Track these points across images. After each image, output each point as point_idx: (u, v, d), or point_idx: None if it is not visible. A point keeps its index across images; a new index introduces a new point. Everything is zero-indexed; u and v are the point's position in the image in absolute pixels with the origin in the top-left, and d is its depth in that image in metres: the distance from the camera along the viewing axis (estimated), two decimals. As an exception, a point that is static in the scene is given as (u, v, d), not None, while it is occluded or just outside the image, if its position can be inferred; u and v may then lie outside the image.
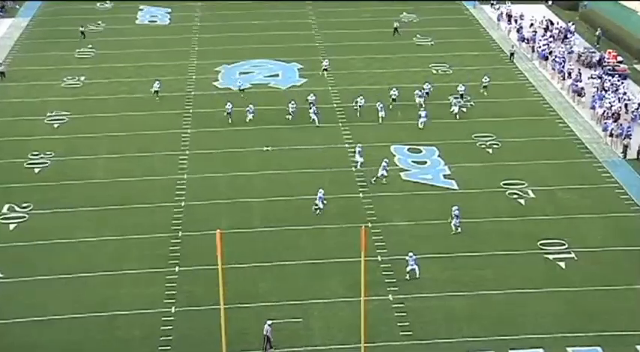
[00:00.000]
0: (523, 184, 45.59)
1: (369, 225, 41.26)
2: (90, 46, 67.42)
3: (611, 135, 50.54)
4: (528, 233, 40.95)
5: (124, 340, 33.80)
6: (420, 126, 51.75)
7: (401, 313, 35.10)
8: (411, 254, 37.40)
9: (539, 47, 64.44)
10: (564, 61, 61.20)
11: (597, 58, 62.20)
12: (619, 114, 52.77)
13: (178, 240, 40.48)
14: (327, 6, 76.01)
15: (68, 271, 38.03)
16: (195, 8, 76.73)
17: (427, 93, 55.18)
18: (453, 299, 35.98)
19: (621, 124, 51.15)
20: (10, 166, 47.92)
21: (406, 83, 59.05)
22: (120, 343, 33.68)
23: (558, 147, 50.33)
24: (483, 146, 50.20)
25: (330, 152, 49.37)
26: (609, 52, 62.85)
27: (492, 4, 75.32)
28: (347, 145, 49.99)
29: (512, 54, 63.68)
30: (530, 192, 44.90)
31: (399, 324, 34.44)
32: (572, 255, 39.23)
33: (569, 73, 59.01)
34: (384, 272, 37.71)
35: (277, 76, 61.54)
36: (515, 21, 70.72)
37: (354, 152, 47.86)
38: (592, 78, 58.66)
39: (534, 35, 66.86)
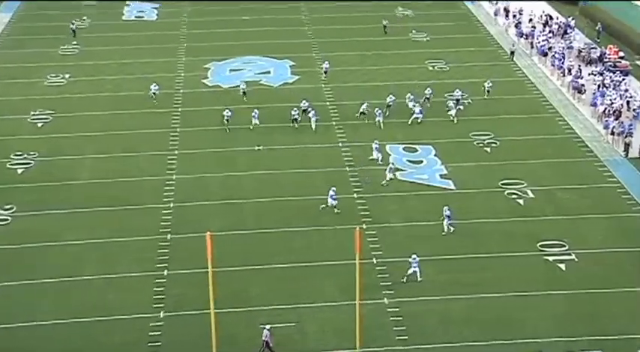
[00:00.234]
0: (522, 184, 45.75)
1: (364, 226, 41.34)
2: (74, 42, 67.37)
3: (612, 133, 50.73)
4: (528, 234, 41.08)
5: (112, 346, 33.78)
6: (409, 122, 51.84)
7: (397, 317, 35.18)
8: (414, 256, 37.49)
9: (539, 43, 64.63)
10: (564, 57, 61.41)
11: (598, 54, 62.42)
12: (620, 112, 52.98)
13: (167, 243, 40.50)
14: (319, 1, 76.10)
15: (53, 275, 37.99)
16: (183, 3, 76.70)
17: (428, 98, 54.41)
18: (451, 303, 36.09)
19: (622, 122, 51.35)
20: (-8, 167, 47.93)
21: (401, 80, 59.24)
22: (107, 349, 33.64)
23: (558, 145, 50.51)
24: (481, 145, 50.34)
25: (323, 151, 49.45)
26: (610, 48, 63.04)
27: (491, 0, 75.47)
28: (340, 144, 50.08)
29: (512, 52, 63.53)
30: (529, 192, 45.05)
31: (394, 328, 34.52)
32: (573, 256, 39.38)
33: (569, 70, 59.22)
34: (379, 275, 37.80)
35: (269, 73, 61.60)
36: (514, 16, 70.94)
37: (372, 149, 48.24)
38: (593, 74, 58.87)
39: (533, 31, 67.07)
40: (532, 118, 54.08)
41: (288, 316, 34.87)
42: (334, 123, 52.83)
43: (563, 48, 63.45)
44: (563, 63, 60.30)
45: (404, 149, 49.59)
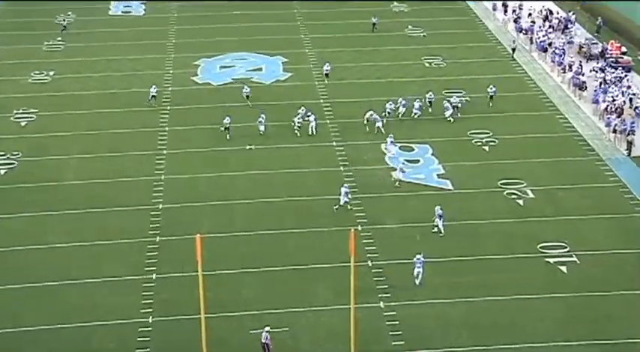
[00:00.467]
0: (522, 184, 45.80)
1: (359, 227, 41.35)
2: (59, 38, 67.27)
3: (614, 131, 50.82)
4: (528, 235, 41.13)
5: (99, 352, 33.83)
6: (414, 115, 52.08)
7: (393, 321, 35.18)
8: (418, 256, 37.50)
9: (538, 38, 64.73)
10: (564, 53, 61.51)
11: (599, 50, 62.53)
12: (623, 109, 53.08)
13: (156, 245, 40.44)
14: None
15: (38, 279, 37.89)
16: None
17: (430, 102, 53.69)
18: (449, 306, 36.10)
19: (625, 120, 51.43)
20: (-26, 167, 47.84)
21: (397, 77, 59.26)
22: (94, 355, 33.70)
23: (558, 144, 50.58)
24: (479, 143, 50.39)
25: (317, 151, 49.43)
26: (612, 43, 63.15)
27: None
28: (334, 143, 50.08)
29: (513, 49, 63.31)
30: (529, 191, 45.11)
31: (391, 333, 34.52)
32: (574, 258, 39.43)
33: (570, 66, 59.31)
34: (375, 278, 37.80)
35: (260, 70, 61.58)
36: (514, 11, 71.02)
37: (386, 143, 48.73)
38: (594, 71, 58.96)
39: (532, 26, 67.17)
40: (532, 116, 54.16)
41: (280, 321, 34.82)
42: (328, 121, 52.82)
43: (564, 43, 63.54)
44: (563, 59, 60.39)
45: (400, 148, 49.62)
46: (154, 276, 38.17)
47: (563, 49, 62.23)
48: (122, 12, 74.33)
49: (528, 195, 44.78)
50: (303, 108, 51.96)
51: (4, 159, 48.55)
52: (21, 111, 54.68)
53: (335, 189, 44.65)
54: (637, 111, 53.28)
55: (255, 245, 40.51)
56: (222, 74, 60.64)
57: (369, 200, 44.11)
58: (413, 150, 49.48)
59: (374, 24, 67.96)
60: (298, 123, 50.75)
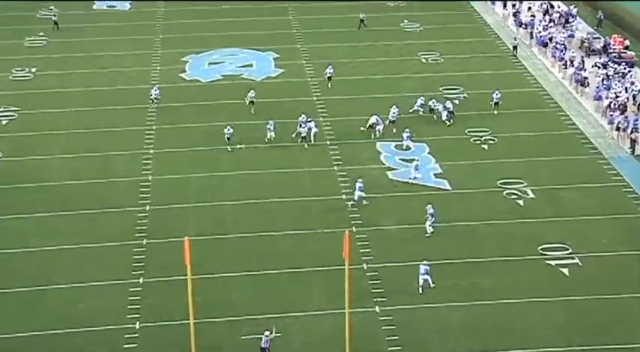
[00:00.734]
0: (521, 183, 45.88)
1: (354, 229, 41.37)
2: (41, 33, 67.15)
3: (617, 128, 50.94)
4: (528, 237, 41.20)
5: (84, 359, 33.78)
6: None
7: (389, 326, 35.21)
8: (425, 261, 37.50)
9: (539, 33, 64.85)
10: (565, 48, 61.63)
11: (601, 44, 62.66)
12: (626, 106, 53.22)
13: (143, 248, 40.41)
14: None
15: (21, 284, 37.79)
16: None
17: (432, 109, 53.03)
18: (447, 311, 36.13)
19: (628, 117, 51.55)
20: (-46, 168, 47.72)
21: (393, 73, 59.32)
22: (79, 363, 33.67)
23: (560, 142, 50.69)
24: (478, 142, 50.47)
25: (310, 150, 49.43)
26: (615, 38, 63.27)
27: None
28: (328, 142, 50.08)
29: (515, 47, 63.03)
30: (529, 191, 45.19)
31: (387, 339, 34.54)
32: (577, 260, 39.52)
33: (572, 61, 59.44)
34: (370, 281, 37.83)
35: (251, 66, 61.58)
36: (513, 5, 71.09)
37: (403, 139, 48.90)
38: (596, 66, 59.08)
39: (533, 20, 67.29)
40: (532, 113, 54.27)
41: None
42: (321, 119, 52.82)
43: (565, 38, 63.65)
44: (564, 54, 60.51)
45: (395, 146, 49.65)
46: (140, 280, 38.13)
47: (564, 44, 62.36)
48: (107, 7, 74.21)
49: (528, 195, 44.86)
50: (303, 115, 50.76)
51: (-15, 160, 48.54)
52: (2, 109, 54.60)
53: (329, 189, 44.75)
54: (641, 107, 53.53)
55: (246, 247, 40.50)
56: (211, 71, 60.62)
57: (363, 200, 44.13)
58: (409, 148, 49.50)
59: (362, 20, 67.80)
60: (303, 133, 49.29)
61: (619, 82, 56.10)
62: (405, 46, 64.50)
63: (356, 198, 43.42)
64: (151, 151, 49.44)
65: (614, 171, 47.30)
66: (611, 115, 52.00)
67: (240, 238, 41.22)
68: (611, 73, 57.49)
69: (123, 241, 40.86)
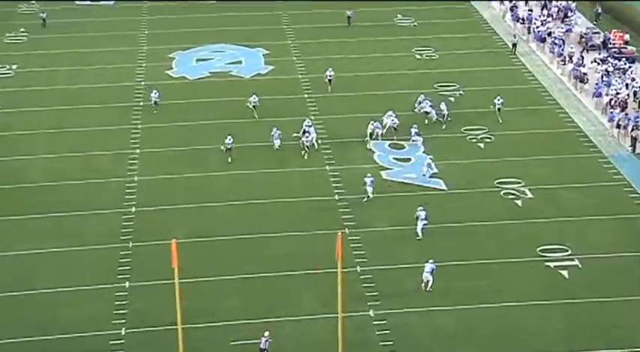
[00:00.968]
0: (519, 183, 45.97)
1: (347, 231, 41.41)
2: (22, 29, 67.01)
3: (618, 126, 51.08)
4: (526, 238, 41.29)
5: (68, 366, 33.77)
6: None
7: (383, 330, 35.25)
8: (431, 260, 37.55)
9: (537, 27, 64.97)
10: (564, 43, 61.76)
11: (601, 40, 62.82)
12: (627, 103, 53.37)
13: (129, 252, 40.37)
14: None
15: (3, 289, 37.73)
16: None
17: (431, 106, 52.76)
18: (443, 315, 36.18)
19: (629, 114, 51.69)
20: None
21: (386, 70, 59.38)
22: (63, 370, 33.65)
23: (559, 140, 50.81)
24: (474, 140, 50.56)
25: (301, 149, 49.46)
26: (615, 33, 63.42)
27: None
28: (320, 141, 50.07)
29: (514, 45, 63.03)
30: (527, 191, 45.29)
31: (381, 343, 34.57)
32: (576, 262, 39.61)
33: (570, 57, 59.57)
34: (364, 285, 37.86)
35: (240, 63, 61.59)
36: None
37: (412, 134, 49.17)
38: (596, 62, 59.22)
39: (530, 14, 67.42)
40: (530, 111, 54.38)
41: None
42: (313, 118, 52.80)
43: (564, 33, 63.79)
44: (563, 49, 60.64)
45: (390, 146, 49.72)
46: (126, 285, 38.11)
47: (563, 39, 62.49)
48: (91, 1, 73.97)
49: (527, 195, 44.96)
50: (308, 120, 50.35)
51: (-35, 160, 48.44)
52: (-18, 108, 54.60)
53: (321, 190, 44.73)
54: (642, 104, 53.68)
55: (235, 250, 40.51)
56: (198, 67, 60.59)
57: (357, 201, 44.15)
58: (404, 147, 49.59)
59: (349, 17, 67.72)
60: (307, 142, 48.43)
61: (619, 78, 56.27)
62: (399, 42, 64.58)
63: (369, 193, 43.50)
64: (137, 151, 49.40)
65: (615, 170, 47.42)
66: (612, 112, 52.14)
67: (229, 240, 41.21)
68: (611, 68, 57.65)
69: (108, 244, 40.81)
